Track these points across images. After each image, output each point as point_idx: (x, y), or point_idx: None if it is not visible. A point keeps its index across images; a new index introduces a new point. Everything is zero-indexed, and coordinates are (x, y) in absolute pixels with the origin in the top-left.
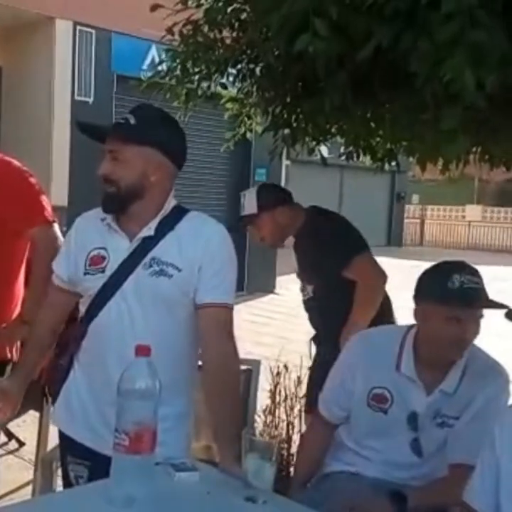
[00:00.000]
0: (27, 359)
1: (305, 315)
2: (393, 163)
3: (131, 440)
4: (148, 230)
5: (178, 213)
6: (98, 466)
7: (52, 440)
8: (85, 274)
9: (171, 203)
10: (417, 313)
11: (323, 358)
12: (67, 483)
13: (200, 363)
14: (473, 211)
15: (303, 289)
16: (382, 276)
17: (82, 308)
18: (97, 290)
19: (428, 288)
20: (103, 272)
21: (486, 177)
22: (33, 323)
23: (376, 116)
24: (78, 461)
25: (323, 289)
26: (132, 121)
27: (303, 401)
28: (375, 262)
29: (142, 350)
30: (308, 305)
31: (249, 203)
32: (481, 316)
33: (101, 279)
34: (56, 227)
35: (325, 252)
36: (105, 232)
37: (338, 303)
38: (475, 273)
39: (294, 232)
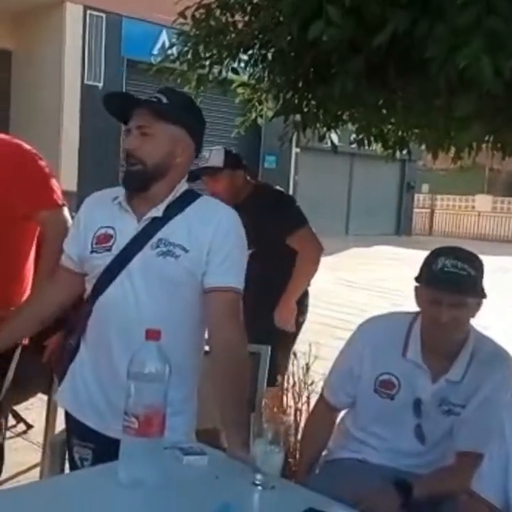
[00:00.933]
0: (12, 325)
1: (315, 303)
2: (404, 151)
3: (141, 423)
4: (157, 211)
5: (190, 197)
6: (102, 448)
7: (61, 423)
8: (92, 252)
9: (182, 186)
10: (415, 295)
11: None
12: (73, 466)
13: (207, 348)
14: (483, 201)
15: None
16: (320, 249)
17: (89, 287)
18: (103, 269)
19: (420, 270)
20: (110, 250)
21: (497, 167)
22: (32, 294)
23: (388, 103)
24: (83, 443)
25: (262, 255)
26: (164, 100)
27: (310, 388)
28: (315, 235)
29: (152, 334)
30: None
31: (217, 156)
32: (463, 302)
33: (107, 258)
34: (66, 210)
35: (273, 217)
36: (115, 212)
37: (274, 271)
38: (464, 259)
39: (239, 200)
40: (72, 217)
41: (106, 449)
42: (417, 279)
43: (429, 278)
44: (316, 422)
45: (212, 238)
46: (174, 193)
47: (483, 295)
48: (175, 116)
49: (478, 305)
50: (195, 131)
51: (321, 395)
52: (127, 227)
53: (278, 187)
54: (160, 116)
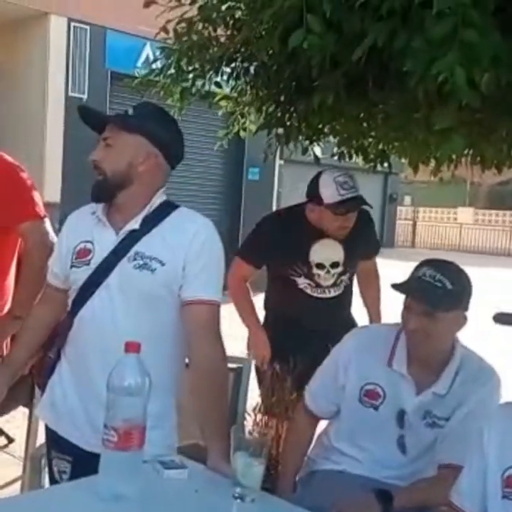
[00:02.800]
0: (16, 355)
1: None
2: (385, 164)
3: (120, 437)
4: (134, 223)
5: (167, 208)
6: (81, 461)
7: (42, 436)
8: (71, 266)
9: (160, 198)
10: None
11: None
12: (53, 479)
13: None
14: (464, 214)
15: (336, 284)
16: None
17: (69, 301)
18: (82, 283)
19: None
20: (88, 264)
21: (478, 180)
22: (26, 319)
23: (369, 116)
24: (61, 456)
25: (351, 274)
26: (130, 112)
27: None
28: None
29: (132, 347)
30: (334, 299)
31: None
32: (431, 313)
33: (86, 272)
34: (47, 222)
35: (363, 239)
36: (94, 225)
37: (350, 290)
38: (445, 272)
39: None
40: (55, 229)
41: (84, 462)
42: (401, 284)
43: (406, 284)
44: (297, 430)
45: (187, 251)
46: (151, 205)
47: (457, 309)
48: (134, 126)
49: (459, 320)
50: (160, 140)
51: (303, 403)
52: (105, 240)
53: None
54: (122, 127)
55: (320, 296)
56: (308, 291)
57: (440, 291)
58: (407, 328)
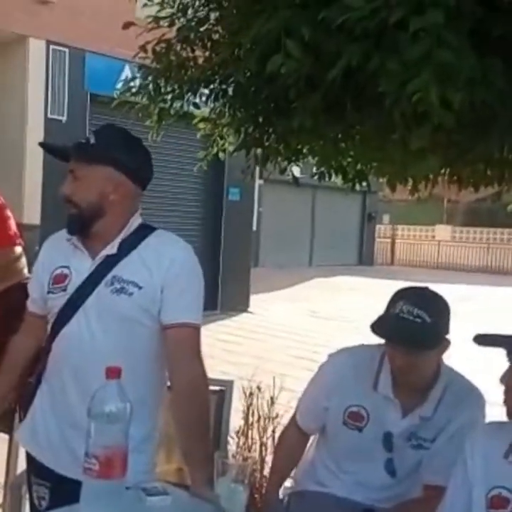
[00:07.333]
0: None
1: (280, 334)
2: (364, 184)
3: (101, 464)
4: (111, 248)
5: (144, 231)
6: (59, 487)
7: (23, 464)
8: (48, 292)
9: (135, 221)
10: None
11: None
12: (32, 506)
13: (169, 383)
14: (442, 231)
15: None
16: None
17: (48, 327)
18: (60, 308)
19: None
20: (65, 290)
21: (455, 198)
22: (6, 355)
23: (347, 137)
24: (40, 482)
25: None
26: (92, 140)
27: (276, 421)
28: None
29: (112, 372)
30: None
31: None
32: (414, 352)
33: (63, 298)
34: (18, 249)
35: None
36: (70, 251)
37: None
38: (423, 304)
39: None
40: (34, 251)
41: (63, 488)
42: (380, 325)
43: (384, 321)
44: (288, 444)
45: (166, 274)
46: (127, 229)
47: (440, 342)
48: (101, 157)
49: (443, 346)
50: (127, 167)
51: (294, 417)
52: (82, 266)
53: None
54: (87, 159)
55: None
56: None
57: (420, 327)
58: (392, 365)
